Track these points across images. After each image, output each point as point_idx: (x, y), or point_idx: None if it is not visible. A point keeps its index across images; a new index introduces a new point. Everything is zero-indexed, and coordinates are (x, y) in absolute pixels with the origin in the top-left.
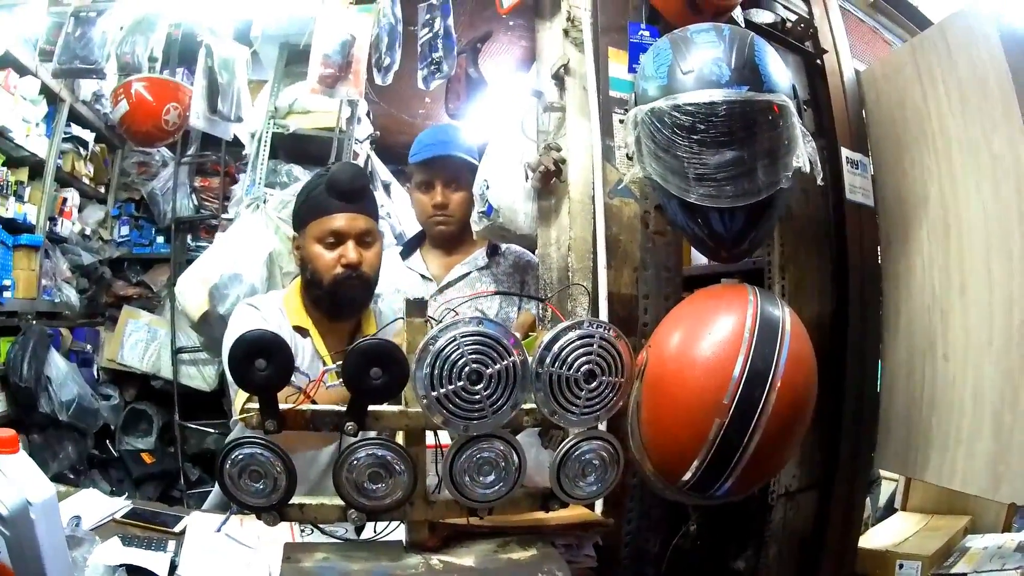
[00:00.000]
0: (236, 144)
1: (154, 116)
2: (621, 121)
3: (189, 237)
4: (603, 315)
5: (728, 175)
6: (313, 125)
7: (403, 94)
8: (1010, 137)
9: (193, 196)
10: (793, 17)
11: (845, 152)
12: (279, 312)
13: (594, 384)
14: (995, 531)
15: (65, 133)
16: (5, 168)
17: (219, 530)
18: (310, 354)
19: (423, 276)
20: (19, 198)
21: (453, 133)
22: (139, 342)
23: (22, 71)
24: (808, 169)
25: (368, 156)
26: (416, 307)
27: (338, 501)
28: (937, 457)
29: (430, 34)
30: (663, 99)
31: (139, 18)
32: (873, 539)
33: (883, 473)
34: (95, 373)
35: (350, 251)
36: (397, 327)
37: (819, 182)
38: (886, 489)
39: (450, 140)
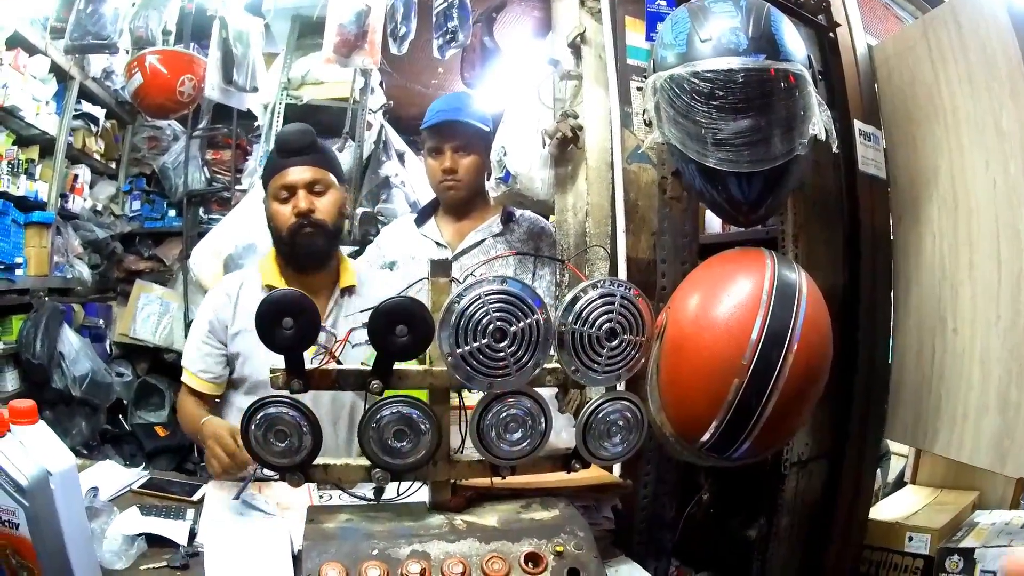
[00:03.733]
0: (248, 116)
1: (168, 88)
2: (639, 88)
3: (201, 210)
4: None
5: (745, 141)
6: (326, 96)
7: (416, 65)
8: (1018, 116)
9: (205, 169)
10: None
11: (858, 124)
12: (248, 279)
13: (615, 342)
14: (1003, 507)
15: (75, 110)
16: (16, 147)
17: (237, 497)
18: None
19: (438, 243)
20: (30, 176)
21: (464, 99)
22: (151, 315)
23: (31, 50)
24: (824, 137)
25: (382, 126)
26: (440, 267)
27: (362, 461)
28: (946, 430)
29: (445, 4)
30: (682, 66)
31: None
32: (883, 511)
33: (893, 448)
34: (108, 348)
35: (301, 200)
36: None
37: (834, 149)
38: (896, 465)
39: (460, 106)
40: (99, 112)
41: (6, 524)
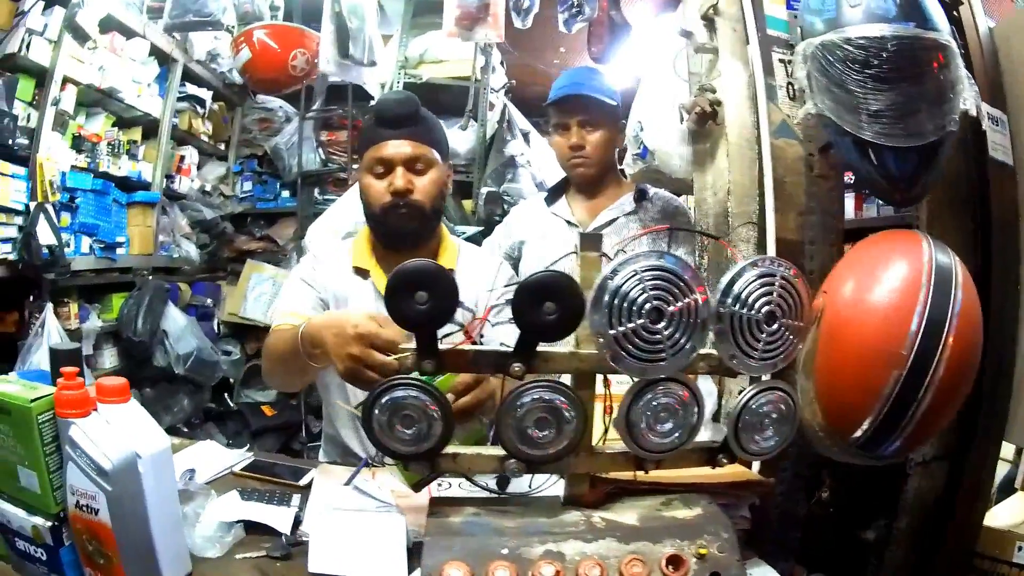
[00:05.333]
0: (363, 97)
1: (279, 62)
2: (780, 60)
3: (316, 191)
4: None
5: (899, 113)
6: (447, 74)
7: (536, 43)
8: None
9: (319, 150)
10: None
11: (985, 107)
12: (341, 257)
13: (775, 327)
14: None
15: (180, 92)
16: (116, 128)
17: (349, 483)
18: (371, 296)
19: (568, 222)
20: (132, 157)
21: (588, 74)
22: (263, 295)
23: (128, 34)
24: (975, 113)
25: (505, 105)
26: (589, 241)
27: (495, 450)
28: None
29: None
30: (833, 32)
31: None
32: (993, 518)
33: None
34: (215, 327)
35: (397, 177)
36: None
37: (984, 126)
38: (1000, 470)
39: (584, 80)
40: (205, 94)
41: (84, 508)
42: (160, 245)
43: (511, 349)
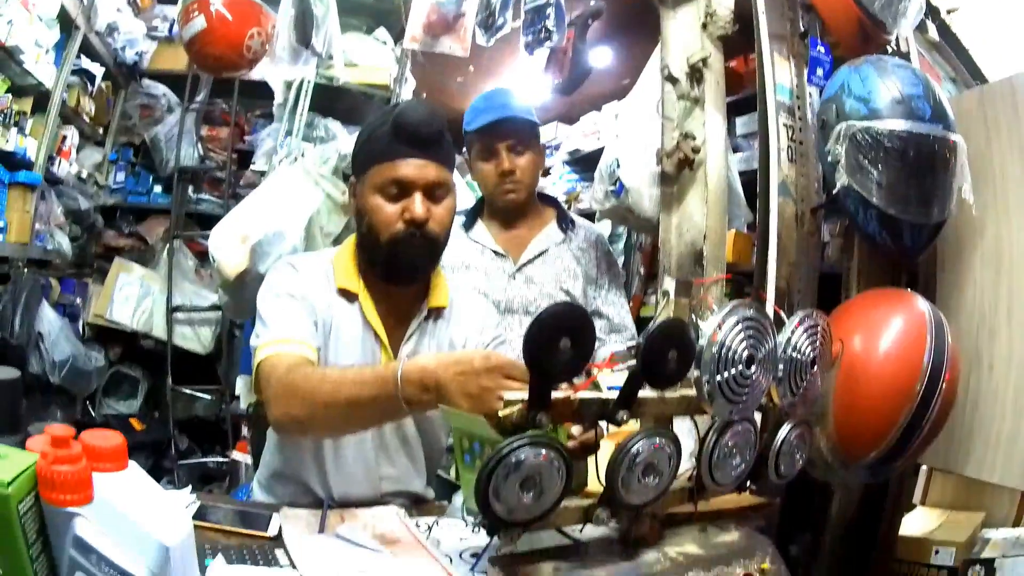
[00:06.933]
0: (249, 93)
1: (234, 39)
2: (784, 125)
3: (191, 189)
4: (770, 309)
5: (924, 197)
6: (360, 80)
7: (444, 60)
8: None
9: (199, 145)
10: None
11: None
12: (323, 273)
13: (814, 369)
14: (1006, 525)
15: (74, 65)
16: (9, 95)
17: (322, 531)
18: (358, 323)
19: (495, 251)
20: (20, 130)
21: (510, 95)
22: (130, 297)
23: None
24: (971, 200)
25: None
26: (683, 288)
27: (580, 501)
28: (977, 454)
29: (540, 1)
30: (878, 121)
31: None
32: (905, 528)
33: None
34: (81, 329)
35: (416, 205)
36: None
37: (974, 212)
38: None
39: (508, 102)
40: (97, 70)
41: None
42: (36, 234)
43: (611, 397)
